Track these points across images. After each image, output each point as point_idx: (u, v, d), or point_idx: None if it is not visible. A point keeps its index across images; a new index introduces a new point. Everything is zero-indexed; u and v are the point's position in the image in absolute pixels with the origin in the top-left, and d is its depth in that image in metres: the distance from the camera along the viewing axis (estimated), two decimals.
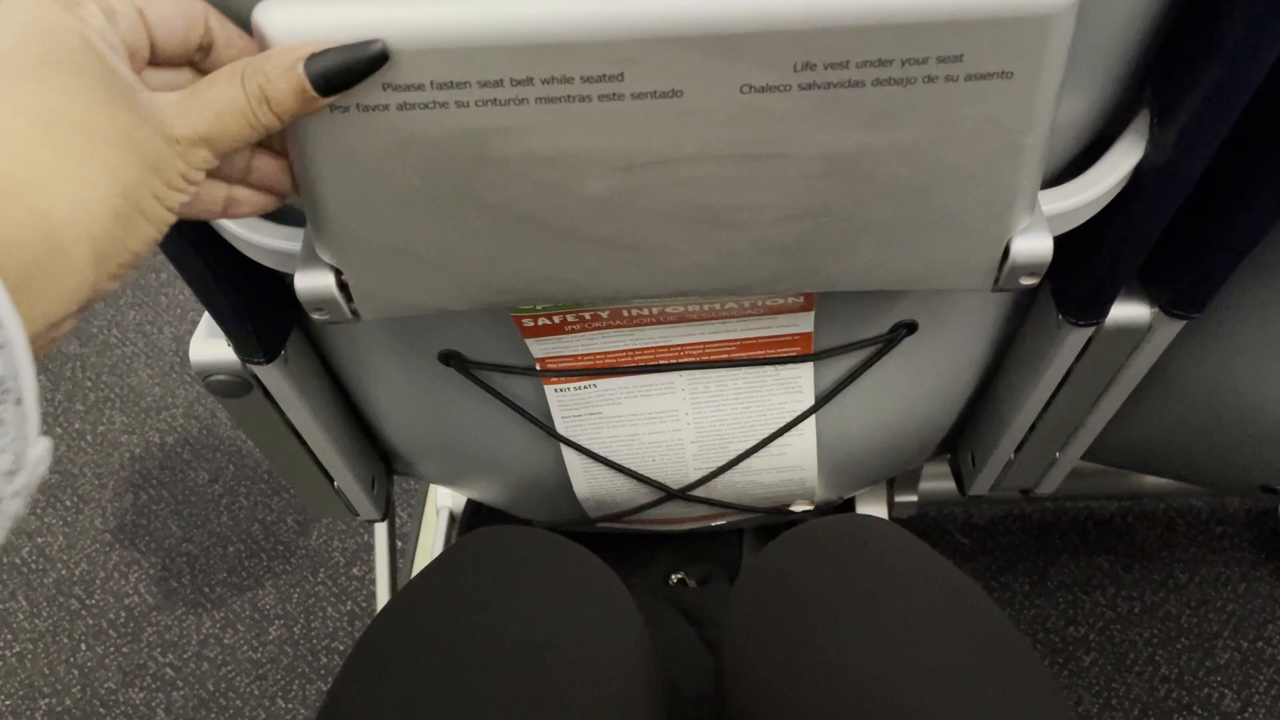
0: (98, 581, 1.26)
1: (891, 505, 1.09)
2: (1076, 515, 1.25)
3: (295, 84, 0.32)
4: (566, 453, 0.62)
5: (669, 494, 0.64)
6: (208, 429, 1.41)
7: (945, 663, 0.47)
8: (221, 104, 0.31)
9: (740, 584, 0.56)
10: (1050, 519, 1.25)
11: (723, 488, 0.65)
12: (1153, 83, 0.44)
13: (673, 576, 0.79)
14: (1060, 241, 0.45)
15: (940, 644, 0.47)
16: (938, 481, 0.99)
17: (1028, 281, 0.43)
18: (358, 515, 0.77)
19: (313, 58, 0.32)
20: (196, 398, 1.43)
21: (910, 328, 0.54)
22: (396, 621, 0.51)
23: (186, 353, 1.50)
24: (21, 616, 1.24)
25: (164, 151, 0.30)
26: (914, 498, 1.10)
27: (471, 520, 0.89)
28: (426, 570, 0.52)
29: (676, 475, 0.63)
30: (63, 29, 0.28)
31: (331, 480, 0.71)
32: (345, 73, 0.33)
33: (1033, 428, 0.68)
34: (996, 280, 0.43)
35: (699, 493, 0.64)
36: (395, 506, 1.22)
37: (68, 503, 1.34)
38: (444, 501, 1.11)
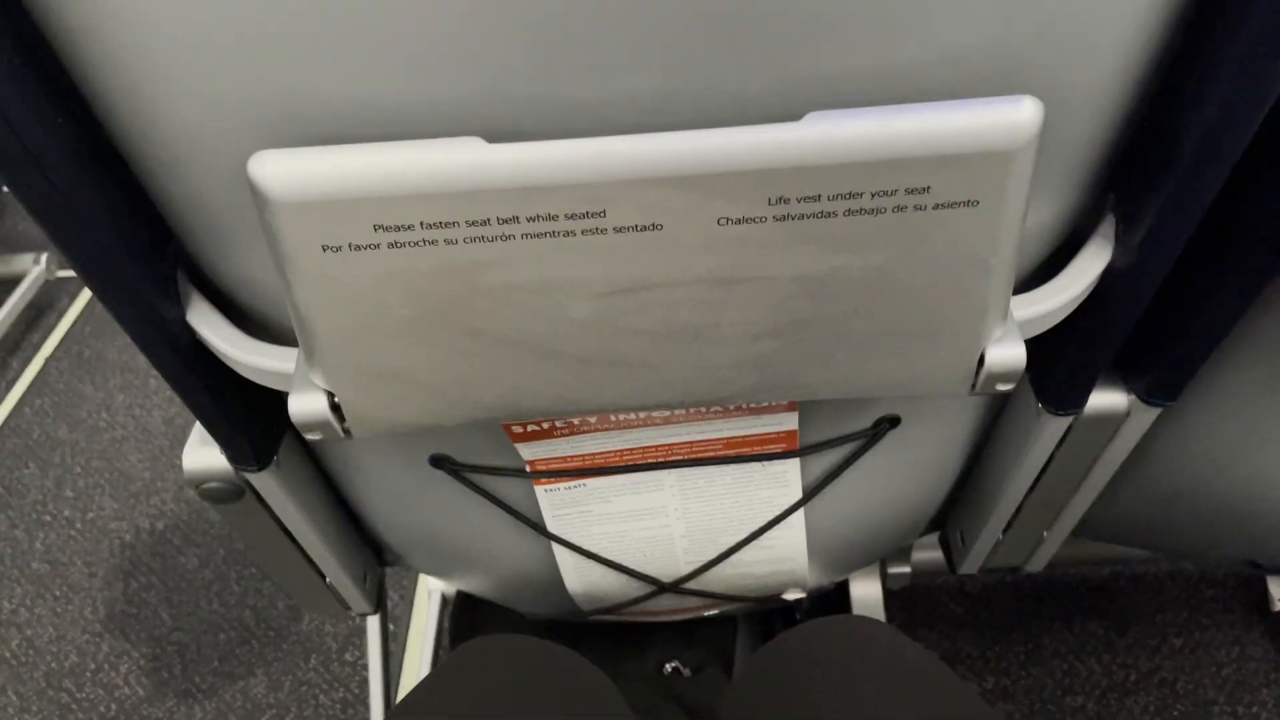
0: (88, 674, 1.25)
1: (885, 577, 1.09)
2: (1068, 581, 1.25)
3: None
4: (557, 550, 0.62)
5: (661, 588, 0.64)
6: (197, 512, 1.41)
7: None
8: None
9: (735, 688, 0.56)
10: (1042, 585, 1.26)
11: (714, 580, 0.65)
12: (1116, 190, 0.46)
13: (667, 666, 0.79)
14: (1036, 336, 0.47)
15: None
16: (930, 551, 1.00)
17: (1004, 387, 0.44)
18: (350, 610, 0.77)
19: None
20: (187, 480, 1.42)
21: (893, 422, 0.56)
22: None
23: (177, 435, 1.50)
24: (12, 711, 1.22)
25: None
26: (907, 569, 1.11)
27: (463, 607, 0.89)
28: (420, 687, 0.52)
29: (668, 569, 0.64)
30: None
31: (323, 577, 0.71)
32: None
33: (1019, 509, 0.68)
34: (973, 386, 0.44)
35: (691, 585, 0.65)
36: (387, 589, 1.21)
37: (57, 592, 1.33)
38: (436, 584, 1.11)
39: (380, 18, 0.33)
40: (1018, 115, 0.33)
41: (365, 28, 0.33)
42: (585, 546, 0.61)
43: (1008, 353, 0.42)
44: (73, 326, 1.77)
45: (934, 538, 0.85)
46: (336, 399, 0.42)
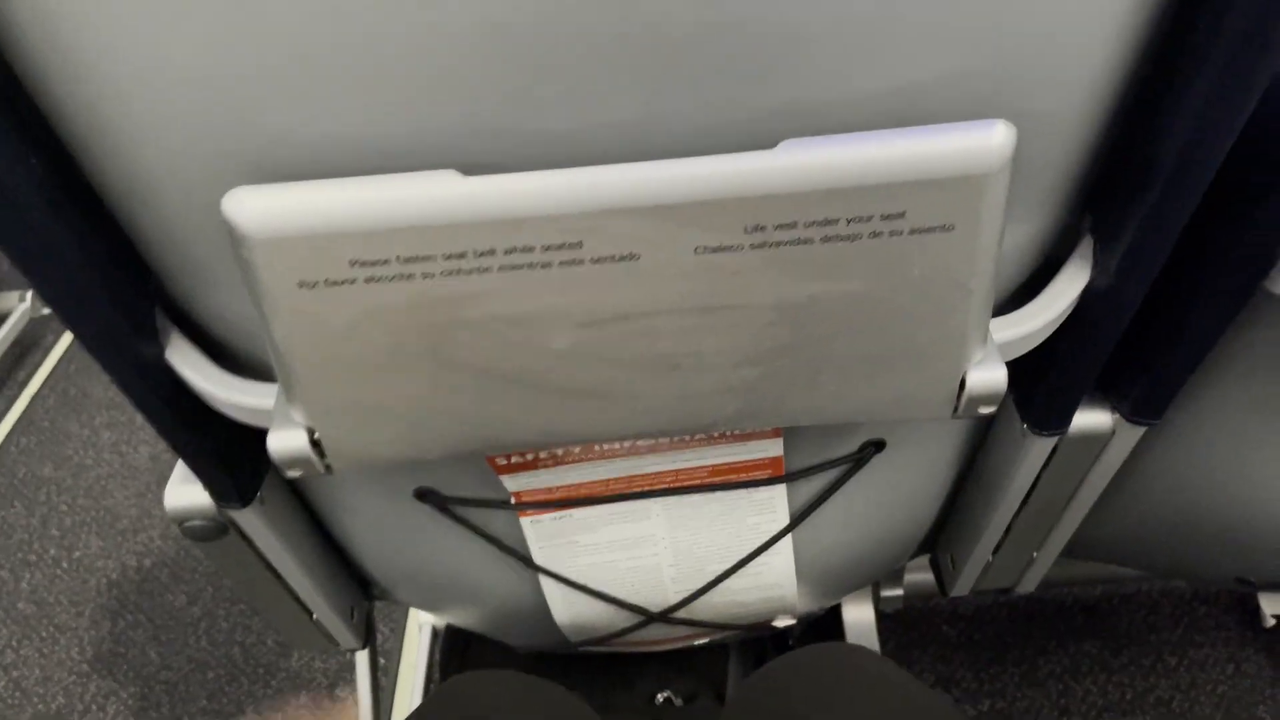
0: (75, 715, 1.23)
1: (877, 600, 1.09)
2: (1062, 601, 1.25)
3: None
4: (544, 581, 0.62)
5: (649, 617, 0.64)
6: (185, 550, 1.40)
7: None
8: None
9: (725, 716, 0.56)
10: (1036, 606, 1.25)
11: (703, 608, 0.65)
12: (1093, 211, 0.46)
13: (659, 696, 0.78)
14: (1018, 357, 0.47)
15: None
16: (923, 574, 0.99)
17: (986, 410, 0.44)
18: (338, 645, 0.76)
19: None
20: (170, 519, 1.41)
21: (879, 446, 0.55)
22: None
23: (163, 472, 1.49)
24: None
25: None
26: (899, 591, 1.10)
27: (453, 640, 0.88)
28: None
29: (656, 598, 0.63)
30: None
31: (310, 613, 0.70)
32: None
33: (1008, 530, 0.68)
34: (955, 409, 0.44)
35: (680, 614, 0.64)
36: (377, 623, 1.20)
37: (44, 633, 1.31)
38: (426, 617, 1.10)
39: (354, 54, 0.33)
40: (990, 140, 0.33)
41: (339, 64, 0.33)
42: (572, 577, 0.61)
43: (989, 375, 0.42)
44: (58, 364, 1.77)
45: (926, 559, 0.85)
46: (316, 435, 0.42)
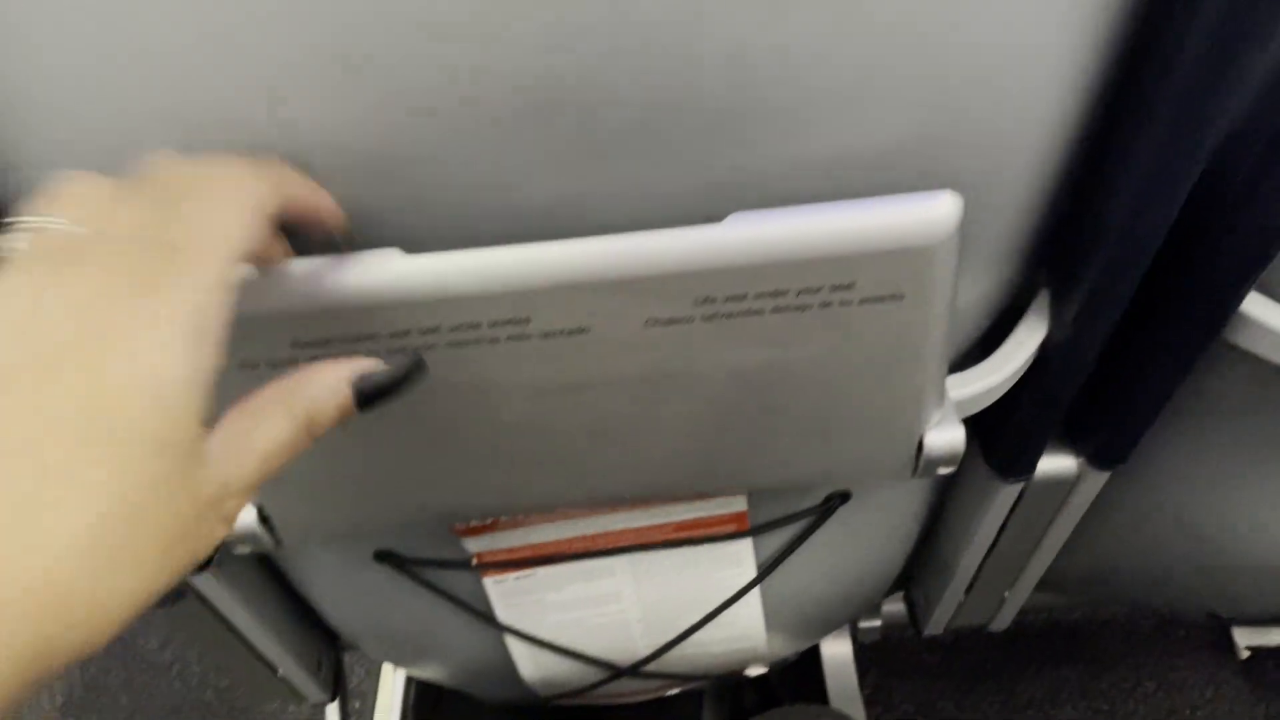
0: None
1: (856, 632, 1.08)
2: (1040, 626, 1.25)
3: (342, 405, 0.30)
4: (510, 639, 0.61)
5: (618, 672, 0.63)
6: None
7: None
8: (271, 445, 0.28)
9: None
10: (1014, 631, 1.24)
11: (673, 661, 0.64)
12: (1048, 266, 0.46)
13: None
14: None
15: None
16: (901, 604, 0.99)
17: (945, 470, 0.44)
18: (306, 699, 0.75)
19: (362, 378, 0.31)
20: None
21: (844, 497, 0.55)
22: None
23: None
24: None
25: (209, 529, 0.26)
26: (877, 623, 1.09)
27: (425, 691, 0.87)
28: None
29: (625, 653, 0.63)
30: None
31: (275, 669, 0.69)
32: (393, 390, 0.31)
33: (979, 572, 0.68)
34: (915, 470, 0.44)
35: (650, 668, 0.64)
36: (352, 666, 1.19)
37: None
38: None
39: (296, 136, 0.33)
40: (936, 210, 0.33)
41: (286, 149, 0.33)
42: (539, 635, 0.60)
43: (947, 436, 0.42)
44: None
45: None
46: (265, 511, 0.41)
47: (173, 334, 0.25)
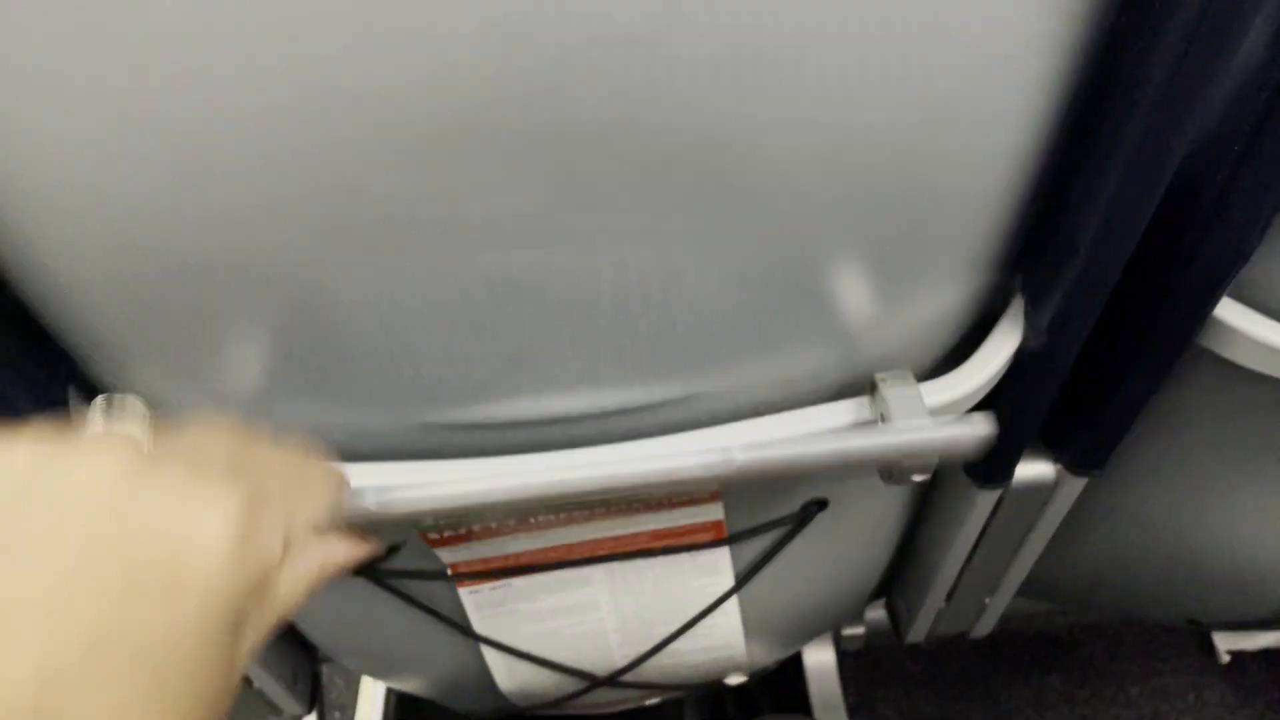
0: None
1: (839, 639, 1.08)
2: (1025, 633, 1.25)
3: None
4: (486, 650, 0.61)
5: (596, 682, 0.63)
6: None
7: None
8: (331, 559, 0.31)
9: None
10: (999, 638, 1.24)
11: (651, 671, 0.63)
12: (1022, 272, 0.46)
13: None
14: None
15: None
16: (884, 611, 0.99)
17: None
18: (281, 713, 0.74)
19: None
20: None
21: (821, 504, 0.55)
22: None
23: None
24: None
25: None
26: (860, 630, 1.09)
27: (405, 702, 0.87)
28: None
29: (602, 663, 0.62)
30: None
31: (250, 681, 0.69)
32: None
33: (959, 579, 0.68)
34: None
35: (628, 678, 0.63)
36: (332, 677, 1.18)
37: None
38: None
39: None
40: None
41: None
42: (515, 645, 0.59)
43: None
44: None
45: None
46: None
47: None
